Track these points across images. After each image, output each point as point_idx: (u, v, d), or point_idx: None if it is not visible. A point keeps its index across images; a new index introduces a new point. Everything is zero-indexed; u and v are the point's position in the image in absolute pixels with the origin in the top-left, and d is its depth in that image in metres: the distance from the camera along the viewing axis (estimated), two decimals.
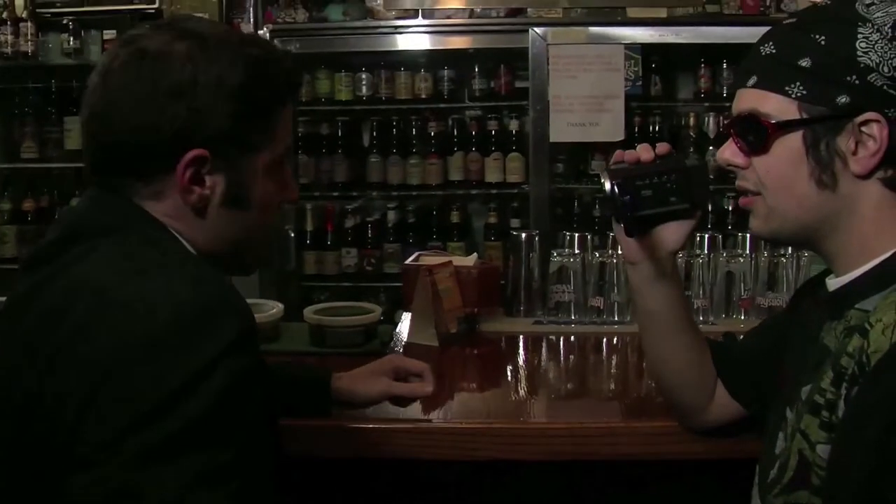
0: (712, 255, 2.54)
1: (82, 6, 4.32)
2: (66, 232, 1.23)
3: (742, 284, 2.53)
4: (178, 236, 1.24)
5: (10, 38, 4.26)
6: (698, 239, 2.59)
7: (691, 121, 4.34)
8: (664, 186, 1.44)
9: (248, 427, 1.12)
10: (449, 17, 4.17)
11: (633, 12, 4.05)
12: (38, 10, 4.33)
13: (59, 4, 4.35)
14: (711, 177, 1.35)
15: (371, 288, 4.50)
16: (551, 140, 4.05)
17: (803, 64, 1.22)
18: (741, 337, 1.64)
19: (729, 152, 1.31)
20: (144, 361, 1.07)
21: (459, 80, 4.48)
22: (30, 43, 4.29)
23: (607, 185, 1.43)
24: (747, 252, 2.54)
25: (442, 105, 4.48)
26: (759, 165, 1.28)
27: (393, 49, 4.24)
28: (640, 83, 4.09)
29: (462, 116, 4.54)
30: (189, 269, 1.18)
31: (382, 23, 4.16)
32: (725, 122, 1.32)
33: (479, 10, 4.16)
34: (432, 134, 4.48)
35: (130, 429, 1.05)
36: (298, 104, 4.34)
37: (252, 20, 4.21)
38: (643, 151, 1.46)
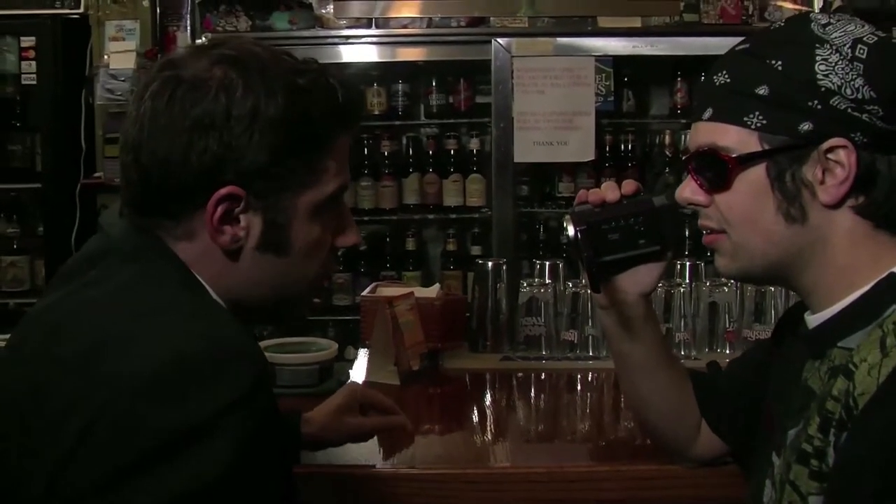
0: (694, 284, 2.57)
1: None
2: (89, 253, 1.24)
3: (727, 315, 2.55)
4: (202, 280, 1.21)
5: None
6: (679, 267, 2.62)
7: (666, 138, 4.39)
8: (632, 229, 1.46)
9: (262, 486, 1.10)
10: (404, 27, 4.19)
11: (604, 22, 4.10)
12: None
13: None
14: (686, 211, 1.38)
15: (318, 322, 4.47)
16: (515, 160, 4.08)
17: (761, 92, 1.24)
18: (725, 367, 1.67)
19: (689, 190, 1.32)
20: (137, 407, 1.04)
21: (415, 95, 4.51)
22: None
23: (570, 231, 1.46)
24: (732, 281, 2.57)
25: (396, 122, 4.50)
26: (722, 202, 1.30)
27: (343, 61, 4.24)
28: (611, 98, 4.14)
29: (418, 135, 4.56)
30: (199, 311, 1.16)
31: (332, 32, 4.18)
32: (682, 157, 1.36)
33: (437, 18, 4.18)
34: (386, 154, 4.49)
35: (118, 478, 1.03)
36: None
37: (189, 28, 4.19)
38: (608, 191, 1.48)
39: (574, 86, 4.03)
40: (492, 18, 4.15)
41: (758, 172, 1.26)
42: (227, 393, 1.06)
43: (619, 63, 4.14)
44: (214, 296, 1.21)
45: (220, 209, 1.17)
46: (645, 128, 4.50)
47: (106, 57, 4.15)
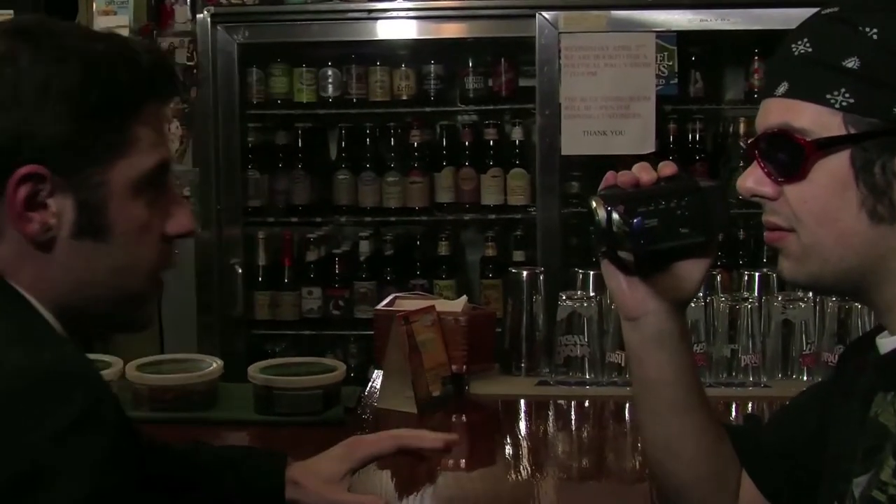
0: (765, 298, 2.55)
1: None
2: None
3: (804, 336, 2.53)
4: (20, 289, 1.23)
5: None
6: (747, 278, 2.59)
7: (741, 127, 4.32)
8: (674, 214, 1.36)
9: None
10: (437, 0, 4.18)
11: None
12: None
13: None
14: (733, 201, 1.32)
15: (339, 337, 4.50)
16: (563, 153, 4.07)
17: (850, 65, 1.21)
18: (768, 417, 1.63)
19: (752, 180, 1.29)
20: None
21: (450, 77, 4.49)
22: None
23: (601, 213, 1.35)
24: (810, 295, 2.53)
25: (427, 109, 4.48)
26: (793, 195, 1.26)
27: (367, 39, 4.26)
28: (675, 81, 4.11)
29: (453, 123, 4.55)
30: (14, 330, 1.18)
31: (354, 6, 4.18)
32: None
33: None
34: (415, 145, 4.48)
35: None
36: (248, 107, 4.37)
37: (188, 1, 4.22)
38: (642, 172, 1.39)
39: (631, 66, 4.01)
40: None
41: (840, 161, 1.22)
42: (55, 423, 1.07)
43: (684, 40, 4.10)
44: (40, 307, 1.23)
45: (21, 192, 1.20)
46: (716, 115, 4.45)
47: None
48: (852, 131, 1.21)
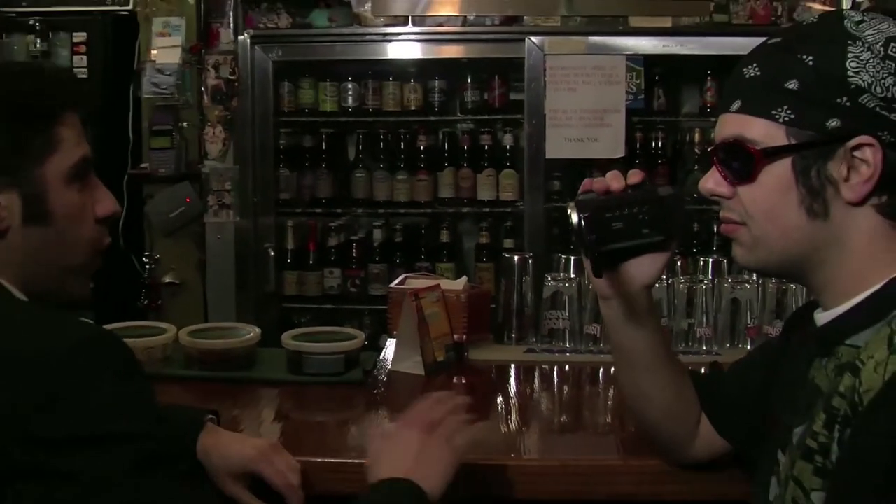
0: (717, 280, 2.54)
1: (50, 6, 4.29)
2: None
3: (748, 312, 2.52)
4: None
5: None
6: (702, 264, 2.59)
7: (696, 136, 4.34)
8: (636, 218, 1.42)
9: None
10: (440, 25, 4.18)
11: (635, 21, 4.07)
12: (1, 10, 4.29)
13: (25, 4, 4.31)
14: (688, 198, 1.35)
15: (355, 311, 4.50)
16: (547, 156, 4.07)
17: (791, 86, 1.22)
18: (727, 368, 1.64)
19: (712, 182, 1.31)
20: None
21: (451, 91, 4.48)
22: None
23: (574, 218, 1.41)
24: (754, 278, 2.53)
25: (432, 118, 4.48)
26: (745, 195, 1.28)
27: (381, 58, 4.26)
28: (642, 97, 4.12)
29: (453, 130, 4.54)
30: (39, 313, 1.28)
31: (370, 30, 4.18)
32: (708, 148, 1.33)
33: (472, 17, 4.17)
34: (422, 148, 4.48)
35: None
36: (280, 115, 4.37)
37: (232, 25, 4.20)
38: (613, 180, 1.44)
39: (605, 84, 4.01)
40: (525, 17, 4.13)
41: (783, 166, 1.24)
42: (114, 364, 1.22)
43: (649, 62, 4.11)
44: (12, 289, 1.31)
45: None
46: (675, 125, 4.45)
47: (153, 52, 4.16)
48: (793, 142, 1.22)
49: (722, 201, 1.31)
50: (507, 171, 4.37)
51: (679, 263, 2.65)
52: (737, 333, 2.53)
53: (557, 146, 4.03)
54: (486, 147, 4.45)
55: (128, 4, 4.24)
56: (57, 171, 1.32)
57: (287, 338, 2.32)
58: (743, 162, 1.26)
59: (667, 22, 4.05)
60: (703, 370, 1.86)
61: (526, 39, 4.05)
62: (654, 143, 4.33)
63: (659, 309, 2.47)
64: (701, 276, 2.55)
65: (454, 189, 4.45)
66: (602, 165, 4.19)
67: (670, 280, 2.52)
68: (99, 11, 4.27)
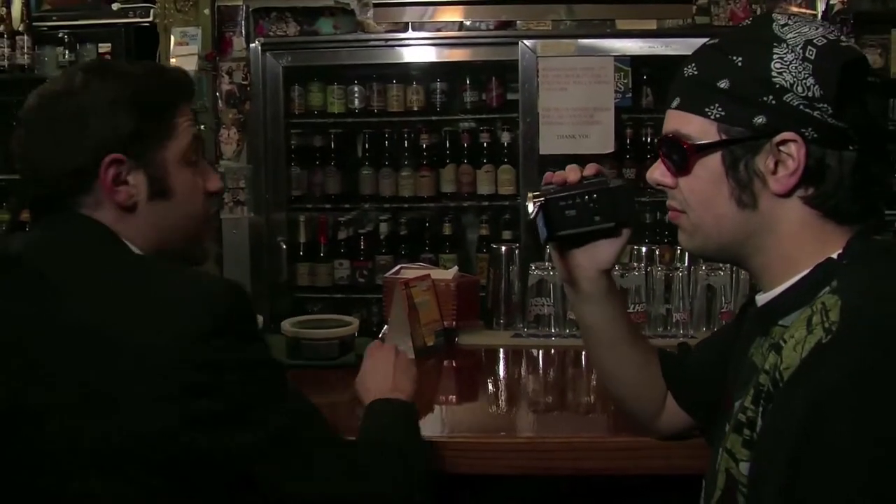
0: (693, 268, 2.52)
1: (78, 20, 4.35)
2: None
3: (722, 297, 2.51)
4: (133, 246, 1.40)
5: (6, 51, 4.31)
6: (679, 252, 2.58)
7: None
8: (587, 206, 1.45)
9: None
10: (439, 30, 4.17)
11: (622, 24, 4.04)
12: (34, 24, 4.36)
13: (55, 18, 4.39)
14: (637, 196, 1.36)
15: (364, 299, 4.49)
16: (541, 152, 4.04)
17: (722, 85, 1.22)
18: (693, 347, 1.64)
19: (658, 172, 1.32)
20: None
21: (451, 92, 4.47)
22: (26, 56, 4.34)
23: (530, 207, 1.45)
24: (727, 265, 2.51)
25: (434, 117, 4.47)
26: (684, 185, 1.28)
27: (384, 62, 4.24)
28: (629, 95, 4.09)
29: (454, 128, 4.52)
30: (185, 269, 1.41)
31: (373, 36, 4.17)
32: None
33: (468, 22, 4.15)
34: (424, 146, 4.47)
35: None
36: (291, 116, 4.37)
37: (244, 33, 4.21)
38: (570, 172, 1.48)
39: (594, 84, 3.99)
40: (518, 22, 4.11)
41: (714, 160, 1.24)
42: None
43: (637, 62, 4.09)
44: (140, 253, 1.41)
45: (109, 173, 1.37)
46: (661, 122, 4.39)
47: (172, 60, 4.16)
48: (724, 137, 1.22)
49: (667, 190, 1.32)
50: (504, 167, 4.36)
51: (658, 252, 2.63)
52: (712, 317, 2.52)
53: (550, 143, 4.01)
54: (485, 144, 4.44)
55: (148, 16, 4.27)
56: (175, 154, 1.42)
57: (287, 325, 2.33)
58: (680, 155, 1.26)
59: (652, 24, 4.02)
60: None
61: (520, 43, 4.03)
62: (642, 139, 4.30)
63: (638, 295, 2.47)
64: (678, 264, 2.54)
65: (455, 184, 4.44)
66: (593, 160, 4.18)
67: (649, 268, 2.51)
68: (122, 23, 4.32)
